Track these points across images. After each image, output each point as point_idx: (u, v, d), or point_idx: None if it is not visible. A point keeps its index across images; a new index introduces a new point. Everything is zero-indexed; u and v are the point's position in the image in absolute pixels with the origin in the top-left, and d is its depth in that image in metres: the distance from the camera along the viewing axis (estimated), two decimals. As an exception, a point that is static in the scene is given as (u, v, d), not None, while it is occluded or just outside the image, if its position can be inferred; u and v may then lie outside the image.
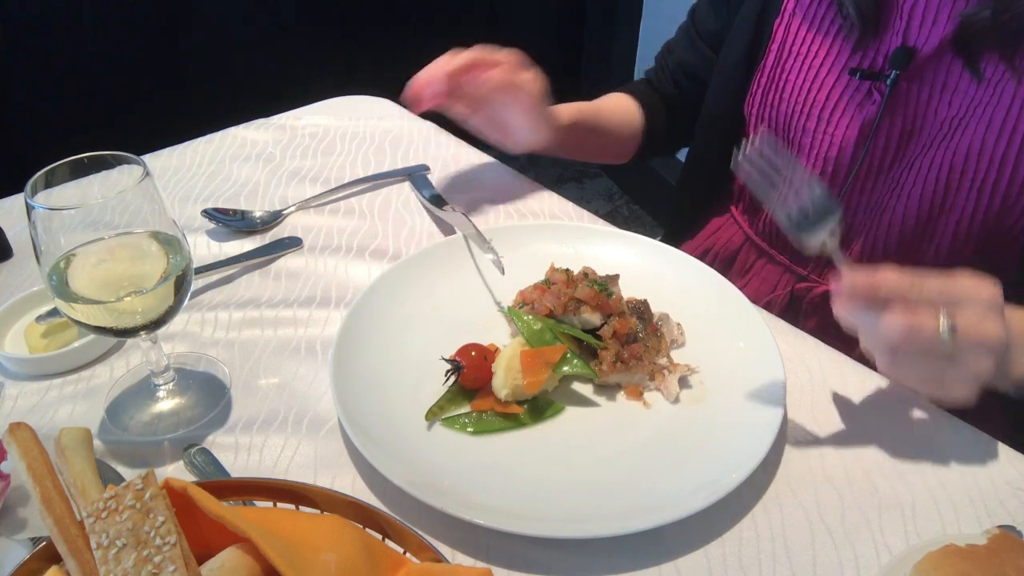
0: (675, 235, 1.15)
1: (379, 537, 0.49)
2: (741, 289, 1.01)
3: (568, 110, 1.01)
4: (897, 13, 0.81)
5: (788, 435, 0.69)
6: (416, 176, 1.06)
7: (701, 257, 1.07)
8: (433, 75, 0.88)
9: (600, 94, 1.13)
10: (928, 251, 0.85)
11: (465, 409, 0.71)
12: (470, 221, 0.87)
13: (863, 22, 0.82)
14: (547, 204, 1.02)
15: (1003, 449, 0.68)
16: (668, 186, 2.67)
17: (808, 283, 0.95)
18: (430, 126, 1.20)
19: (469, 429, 0.69)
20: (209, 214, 0.96)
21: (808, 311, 0.95)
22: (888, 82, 0.80)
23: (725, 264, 1.05)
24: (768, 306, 0.98)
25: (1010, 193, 0.78)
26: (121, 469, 0.65)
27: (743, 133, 0.98)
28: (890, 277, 0.58)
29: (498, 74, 0.89)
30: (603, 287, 0.76)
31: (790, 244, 0.97)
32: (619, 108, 1.11)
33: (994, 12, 0.73)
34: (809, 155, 0.89)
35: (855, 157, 0.86)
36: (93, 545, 0.42)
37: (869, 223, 0.88)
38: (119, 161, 0.61)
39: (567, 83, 3.37)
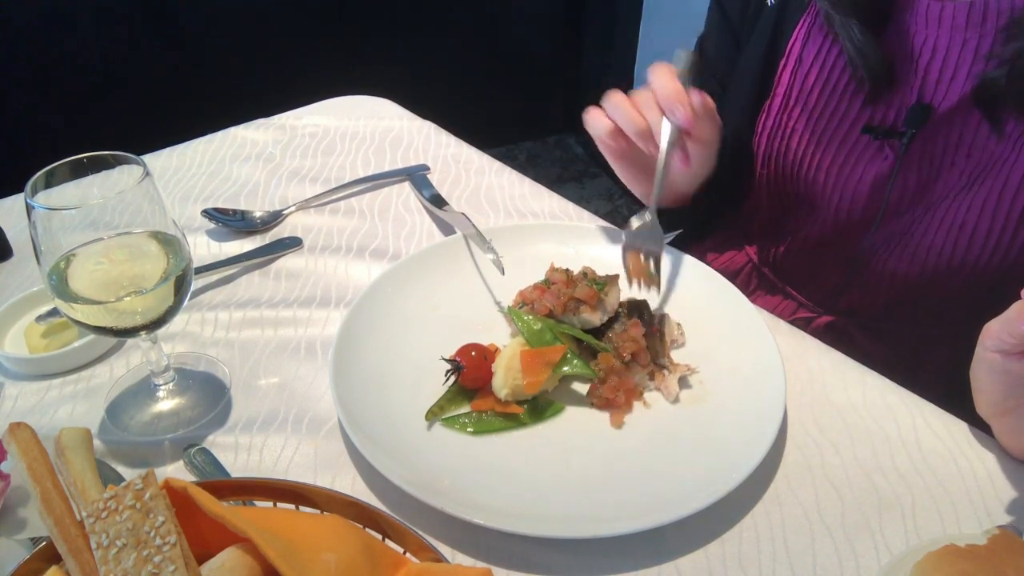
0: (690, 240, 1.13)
1: (379, 537, 0.49)
2: None
3: None
4: (912, 69, 0.77)
5: (788, 435, 0.69)
6: (416, 176, 1.06)
7: None
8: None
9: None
10: (937, 292, 0.84)
11: (465, 409, 0.71)
12: (470, 221, 0.87)
13: (874, 80, 0.78)
14: (547, 204, 1.02)
15: (1003, 449, 0.68)
16: (668, 186, 2.66)
17: (811, 313, 0.94)
18: (430, 126, 1.20)
19: (469, 429, 0.69)
20: (209, 214, 0.96)
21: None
22: (904, 141, 0.77)
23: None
24: None
25: None
26: (121, 469, 0.65)
27: (751, 164, 0.95)
28: None
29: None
30: (601, 287, 0.76)
31: (795, 279, 0.95)
32: None
33: (1009, 76, 0.71)
34: (821, 204, 0.86)
35: (868, 209, 0.83)
36: (93, 545, 0.42)
37: (879, 267, 0.87)
38: (119, 161, 0.61)
39: (567, 83, 3.37)
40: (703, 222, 1.09)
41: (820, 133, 0.83)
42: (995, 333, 0.58)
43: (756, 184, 0.95)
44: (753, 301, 0.99)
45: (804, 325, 0.93)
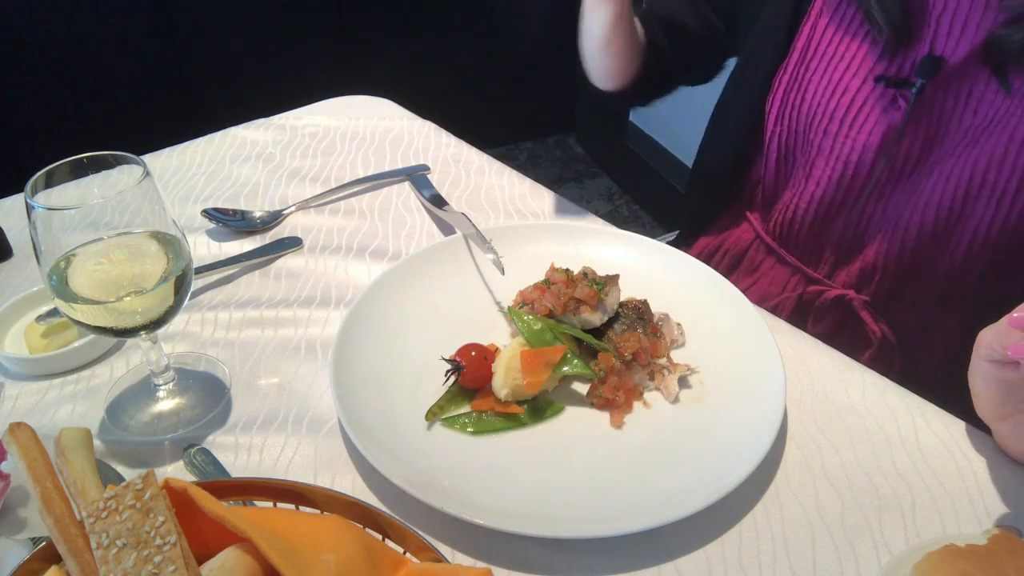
0: (688, 234, 1.14)
1: (379, 537, 0.49)
2: (749, 289, 1.00)
3: None
4: (925, 22, 0.79)
5: (788, 435, 0.69)
6: (416, 176, 1.06)
7: (711, 255, 1.07)
8: None
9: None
10: (943, 260, 0.84)
11: (465, 409, 0.71)
12: (470, 221, 0.87)
13: (894, 31, 0.80)
14: (547, 204, 1.02)
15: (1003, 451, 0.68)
16: (668, 186, 2.67)
17: (819, 286, 0.94)
18: (430, 126, 1.20)
19: (469, 429, 0.69)
20: (209, 214, 0.96)
21: (818, 316, 0.95)
22: (914, 91, 0.79)
23: (734, 262, 1.04)
24: (776, 308, 0.97)
25: None
26: (121, 469, 0.65)
27: (761, 129, 0.97)
28: None
29: None
30: (601, 287, 0.76)
31: (801, 245, 0.96)
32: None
33: (1018, 30, 0.71)
34: (829, 157, 0.87)
35: (876, 163, 0.84)
36: (93, 545, 0.42)
37: (885, 229, 0.87)
38: (119, 161, 0.61)
39: (567, 83, 3.37)
40: (706, 209, 1.10)
41: (836, 83, 0.85)
42: (988, 343, 0.58)
43: (765, 147, 0.96)
44: (762, 276, 1.01)
45: (814, 299, 0.94)
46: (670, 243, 0.96)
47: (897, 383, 0.75)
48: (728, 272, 1.02)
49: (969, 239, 0.82)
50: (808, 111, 0.88)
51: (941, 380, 0.91)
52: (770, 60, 0.93)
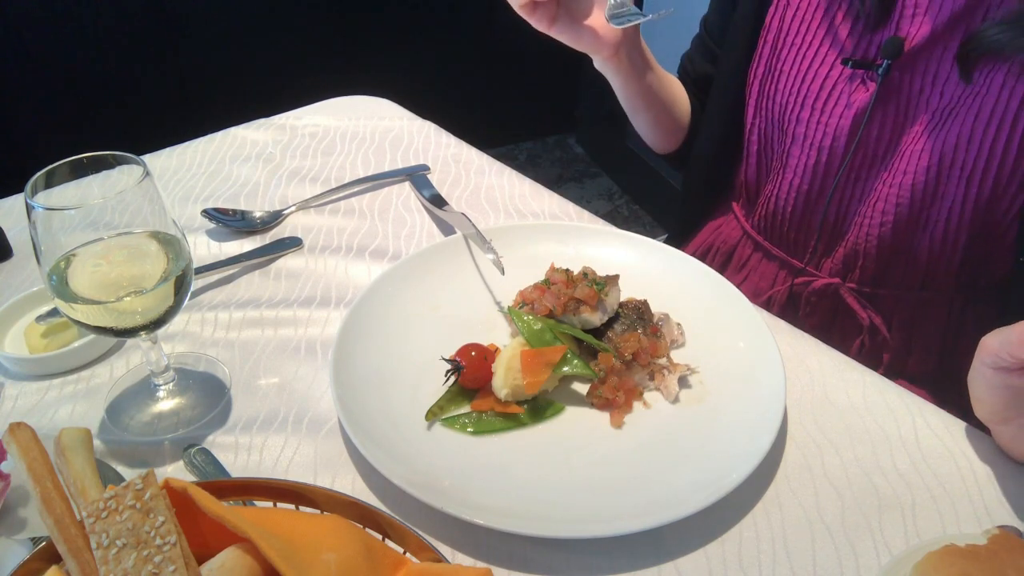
0: (680, 235, 1.15)
1: (379, 537, 0.49)
2: (740, 284, 1.01)
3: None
4: (893, 7, 0.81)
5: (788, 435, 0.69)
6: (416, 176, 1.06)
7: (703, 254, 1.07)
8: None
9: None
10: (922, 241, 0.86)
11: (465, 409, 0.71)
12: (470, 221, 0.87)
13: (881, 10, 0.81)
14: (547, 204, 1.02)
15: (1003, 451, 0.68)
16: (668, 186, 2.67)
17: (806, 277, 0.95)
18: (430, 126, 1.20)
19: (469, 429, 0.69)
20: (209, 214, 0.96)
21: (808, 307, 0.95)
22: (880, 71, 0.81)
23: (724, 259, 1.05)
24: (768, 302, 0.98)
25: (999, 181, 0.78)
26: (121, 469, 0.65)
27: (742, 123, 0.98)
28: None
29: None
30: (601, 287, 0.76)
31: (785, 236, 0.97)
32: (679, 87, 1.08)
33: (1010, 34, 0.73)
34: (803, 145, 0.89)
35: (848, 146, 0.86)
36: (93, 545, 0.42)
37: (863, 213, 0.88)
38: (119, 161, 0.61)
39: (567, 83, 3.36)
40: (698, 210, 1.11)
41: (806, 70, 0.87)
42: (993, 351, 0.57)
43: (746, 140, 0.97)
44: (751, 272, 1.02)
45: (803, 290, 0.94)
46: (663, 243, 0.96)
47: (890, 375, 0.76)
48: (720, 270, 1.03)
49: (945, 219, 0.83)
50: (781, 100, 0.90)
51: (933, 372, 0.92)
52: (742, 51, 0.94)
